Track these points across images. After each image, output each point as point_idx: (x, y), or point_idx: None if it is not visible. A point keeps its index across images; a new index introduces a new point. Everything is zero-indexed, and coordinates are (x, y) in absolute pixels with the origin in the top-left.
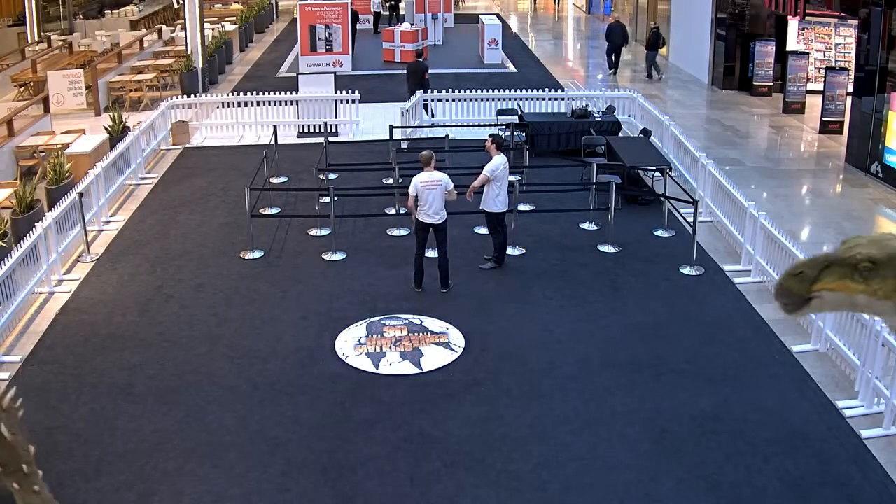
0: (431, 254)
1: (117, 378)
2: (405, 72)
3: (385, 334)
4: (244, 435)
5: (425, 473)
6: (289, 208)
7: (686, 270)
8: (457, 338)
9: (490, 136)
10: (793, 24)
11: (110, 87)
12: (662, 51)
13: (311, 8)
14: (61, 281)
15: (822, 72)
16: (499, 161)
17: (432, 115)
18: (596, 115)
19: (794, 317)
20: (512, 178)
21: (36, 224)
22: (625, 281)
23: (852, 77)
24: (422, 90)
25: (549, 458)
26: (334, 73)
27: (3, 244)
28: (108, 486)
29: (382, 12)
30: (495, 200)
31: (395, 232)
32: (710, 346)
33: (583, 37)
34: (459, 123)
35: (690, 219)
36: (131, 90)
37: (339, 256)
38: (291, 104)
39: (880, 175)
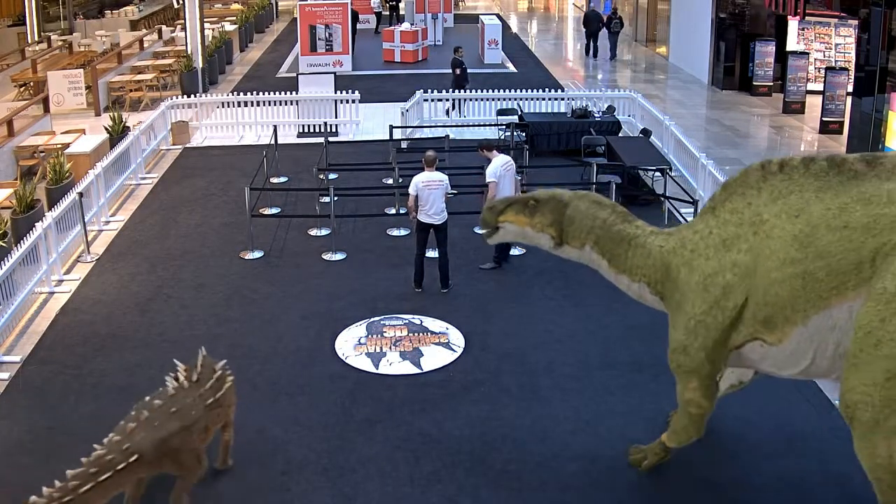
0: (431, 254)
1: (117, 378)
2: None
3: (385, 334)
4: (244, 435)
5: (425, 473)
6: (289, 208)
7: None
8: (457, 338)
9: (478, 144)
10: (793, 24)
11: (110, 87)
12: (662, 49)
13: (311, 8)
14: (61, 281)
15: (822, 72)
16: (498, 163)
17: (447, 113)
18: (596, 115)
19: (490, 242)
20: None
21: (36, 224)
22: None
23: (852, 77)
24: (456, 88)
25: (549, 458)
26: (334, 73)
27: (3, 244)
28: None
29: (383, 12)
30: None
31: (395, 232)
32: None
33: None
34: (459, 123)
35: (690, 219)
36: (131, 90)
37: (339, 256)
38: (291, 104)
39: None
